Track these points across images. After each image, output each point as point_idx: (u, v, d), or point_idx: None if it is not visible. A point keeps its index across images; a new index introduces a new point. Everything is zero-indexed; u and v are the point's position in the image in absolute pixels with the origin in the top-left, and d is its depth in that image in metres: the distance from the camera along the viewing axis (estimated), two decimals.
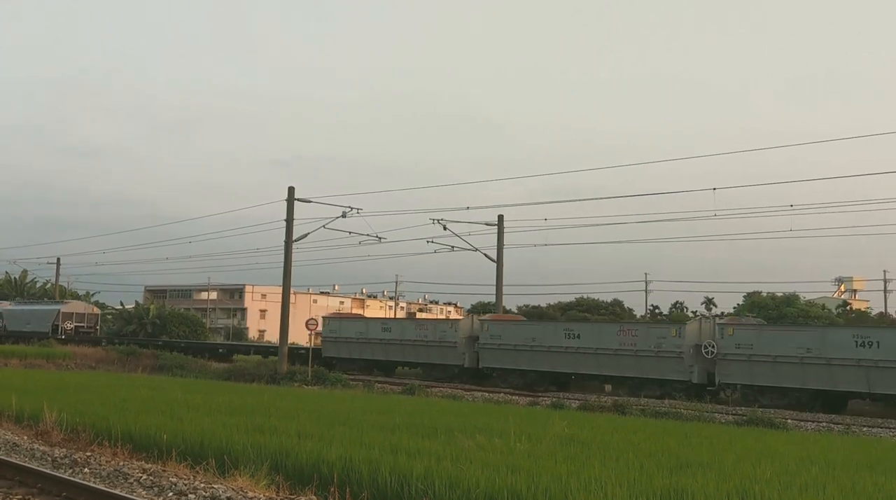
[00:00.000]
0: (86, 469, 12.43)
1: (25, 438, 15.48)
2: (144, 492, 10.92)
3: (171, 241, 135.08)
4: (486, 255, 44.87)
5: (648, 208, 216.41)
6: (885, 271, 75.42)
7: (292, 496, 10.45)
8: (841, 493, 10.35)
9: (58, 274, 77.94)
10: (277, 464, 11.87)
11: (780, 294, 69.84)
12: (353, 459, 11.42)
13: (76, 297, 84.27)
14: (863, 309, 79.52)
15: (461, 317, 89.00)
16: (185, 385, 28.50)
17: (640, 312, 79.67)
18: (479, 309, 69.58)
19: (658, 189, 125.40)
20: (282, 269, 40.96)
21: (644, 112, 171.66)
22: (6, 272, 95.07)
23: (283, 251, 40.96)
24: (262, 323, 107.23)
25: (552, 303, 75.55)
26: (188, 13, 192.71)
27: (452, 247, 45.43)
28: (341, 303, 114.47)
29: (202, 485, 10.89)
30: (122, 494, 10.39)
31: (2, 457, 12.85)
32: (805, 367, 28.78)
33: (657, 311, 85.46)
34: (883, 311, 73.87)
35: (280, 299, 42.59)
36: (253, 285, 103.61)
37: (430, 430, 15.78)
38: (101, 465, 12.58)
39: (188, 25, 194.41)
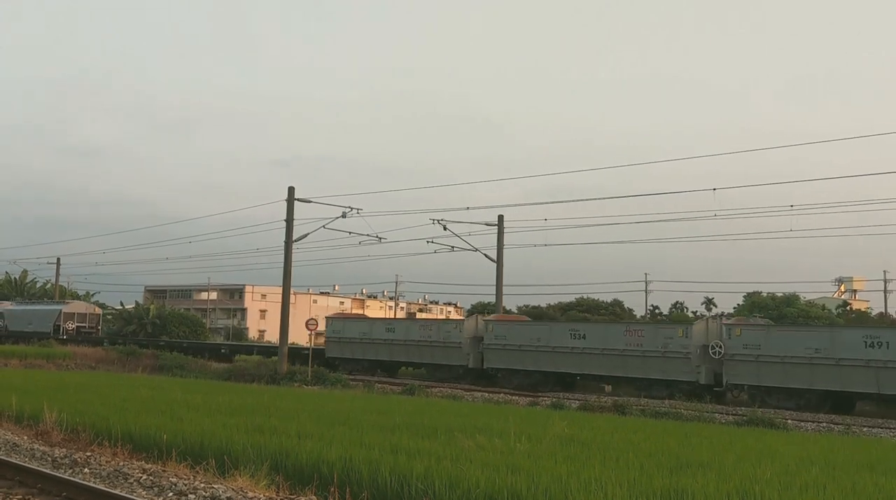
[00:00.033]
0: (86, 469, 12.43)
1: (25, 438, 15.48)
2: (144, 492, 10.91)
3: (171, 241, 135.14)
4: (486, 255, 44.89)
5: (648, 209, 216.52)
6: (885, 272, 75.49)
7: (292, 496, 10.45)
8: (841, 493, 10.34)
9: (58, 274, 77.97)
10: (277, 464, 11.87)
11: (780, 294, 69.89)
12: (353, 459, 11.42)
13: (76, 297, 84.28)
14: (863, 309, 79.53)
15: (461, 317, 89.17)
16: (185, 385, 28.50)
17: (640, 312, 79.73)
18: (479, 309, 69.53)
19: (658, 189, 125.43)
20: (282, 269, 40.96)
21: (644, 112, 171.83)
22: (6, 272, 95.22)
23: (283, 251, 40.96)
24: (262, 323, 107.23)
25: (552, 303, 75.61)
26: (188, 13, 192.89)
27: (452, 247, 45.44)
28: (341, 303, 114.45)
29: (202, 485, 10.88)
30: (122, 494, 10.39)
31: (2, 457, 12.85)
32: (814, 368, 28.53)
33: (657, 311, 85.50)
34: (883, 311, 73.89)
35: (280, 300, 42.59)
36: (253, 286, 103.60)
37: (430, 430, 15.77)
38: (101, 465, 12.58)
39: (188, 25, 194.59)
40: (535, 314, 63.40)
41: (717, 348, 30.88)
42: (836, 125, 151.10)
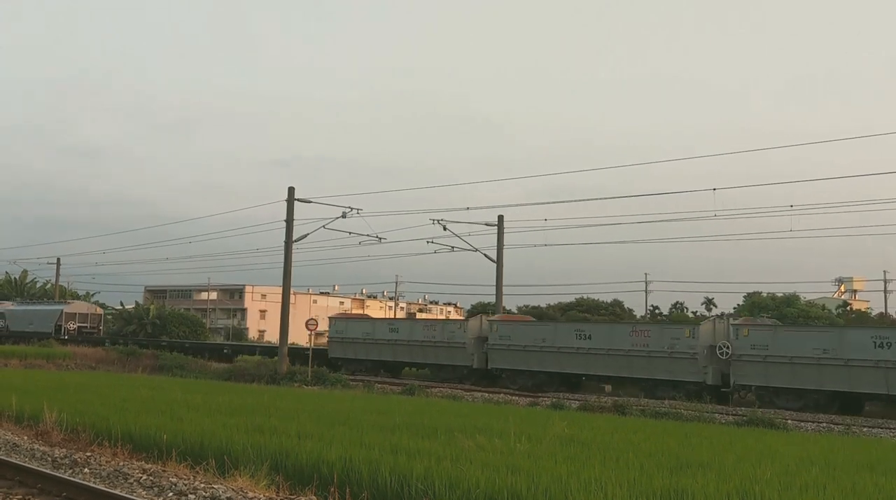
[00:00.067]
0: (86, 469, 12.43)
1: (25, 438, 15.48)
2: (144, 492, 10.91)
3: (172, 241, 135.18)
4: (486, 255, 44.87)
5: (649, 209, 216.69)
6: (885, 272, 75.52)
7: (292, 497, 10.45)
8: (841, 493, 10.34)
9: (58, 274, 77.95)
10: (277, 464, 11.87)
11: (780, 294, 69.88)
12: (353, 459, 11.42)
13: (76, 297, 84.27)
14: (863, 309, 79.54)
15: (461, 317, 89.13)
16: (186, 385, 28.50)
17: (640, 312, 79.74)
18: (479, 310, 69.53)
19: (659, 189, 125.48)
20: (282, 269, 40.96)
21: (644, 112, 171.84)
22: (6, 272, 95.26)
23: (283, 251, 40.96)
24: (262, 323, 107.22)
25: (552, 303, 75.64)
26: (188, 13, 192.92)
27: (452, 247, 45.42)
28: (341, 303, 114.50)
29: (202, 485, 10.89)
30: (122, 494, 10.39)
31: (2, 457, 12.85)
32: (822, 368, 28.35)
33: (657, 311, 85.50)
34: (883, 311, 73.91)
35: (280, 300, 42.59)
36: (253, 286, 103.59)
37: (430, 430, 15.77)
38: (101, 465, 12.58)
39: (188, 25, 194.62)
40: (536, 315, 63.36)
41: (725, 349, 30.68)
42: (836, 125, 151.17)
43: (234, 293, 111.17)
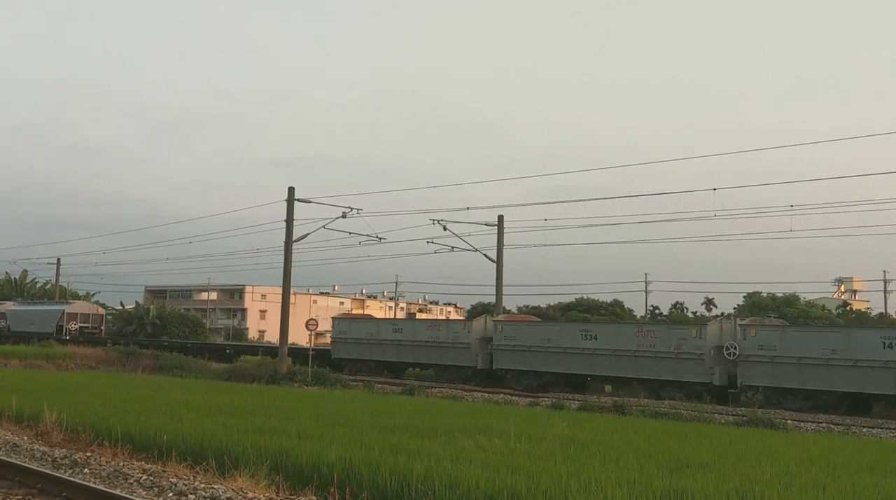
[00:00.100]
0: (86, 470, 12.43)
1: (25, 438, 15.49)
2: (144, 492, 10.92)
3: (172, 241, 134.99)
4: (485, 255, 44.88)
5: (649, 209, 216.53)
6: (885, 272, 75.55)
7: (292, 497, 10.46)
8: (841, 494, 10.35)
9: (58, 274, 77.96)
10: (277, 465, 11.87)
11: (780, 295, 69.89)
12: (353, 459, 11.43)
13: (76, 297, 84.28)
14: (863, 310, 79.56)
15: (461, 318, 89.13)
16: (186, 386, 28.50)
17: (640, 312, 79.72)
18: (479, 310, 69.54)
19: (659, 189, 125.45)
20: (282, 269, 40.96)
21: (644, 112, 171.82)
22: (6, 273, 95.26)
23: (283, 252, 40.96)
24: (262, 324, 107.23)
25: (552, 303, 75.59)
26: (188, 13, 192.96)
27: (452, 247, 45.43)
28: (341, 303, 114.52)
29: (202, 485, 10.89)
30: (122, 494, 10.39)
31: (2, 457, 12.86)
32: (830, 369, 28.19)
33: (657, 311, 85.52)
34: (883, 311, 73.92)
35: (280, 300, 42.59)
36: (253, 286, 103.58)
37: (430, 430, 15.77)
38: (101, 465, 12.58)
39: (188, 25, 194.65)
40: (536, 315, 63.33)
41: (732, 349, 30.50)
42: (836, 125, 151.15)
43: (234, 293, 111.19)
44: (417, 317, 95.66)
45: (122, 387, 26.32)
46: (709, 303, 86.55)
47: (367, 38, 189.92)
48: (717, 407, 28.12)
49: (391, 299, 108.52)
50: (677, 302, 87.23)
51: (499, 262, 44.49)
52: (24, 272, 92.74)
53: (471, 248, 44.67)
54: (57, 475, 11.70)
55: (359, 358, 43.40)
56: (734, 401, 30.25)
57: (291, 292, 44.21)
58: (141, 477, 11.63)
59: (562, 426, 16.25)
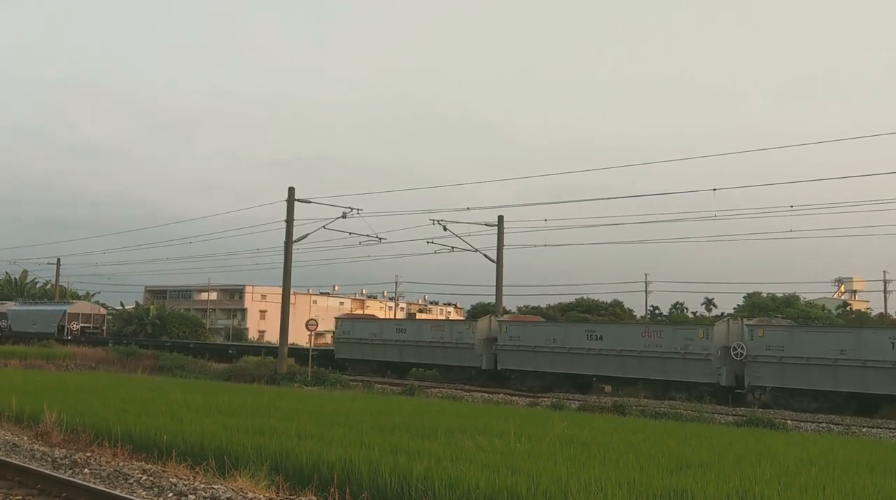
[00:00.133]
0: (86, 470, 12.44)
1: (25, 438, 15.49)
2: (144, 493, 10.92)
3: (172, 241, 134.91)
4: (485, 255, 44.88)
5: (649, 209, 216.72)
6: (884, 272, 75.57)
7: (292, 497, 10.46)
8: (841, 494, 10.35)
9: (58, 274, 77.96)
10: (277, 465, 11.88)
11: (780, 295, 69.91)
12: (353, 460, 11.43)
13: (76, 297, 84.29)
14: (863, 310, 79.59)
15: (461, 318, 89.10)
16: (186, 386, 28.51)
17: (640, 312, 79.75)
18: (479, 310, 69.55)
19: (659, 190, 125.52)
20: (282, 269, 40.97)
21: (644, 112, 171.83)
22: (6, 273, 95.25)
23: (283, 252, 40.97)
24: (262, 324, 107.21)
25: (552, 304, 75.59)
26: (188, 13, 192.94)
27: (452, 247, 45.42)
28: (341, 304, 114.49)
29: (202, 486, 10.90)
30: (122, 495, 10.40)
31: (2, 458, 12.86)
32: (838, 369, 28.05)
33: (657, 311, 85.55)
34: (883, 311, 73.94)
35: (280, 300, 42.59)
36: (253, 286, 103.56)
37: (430, 431, 15.78)
38: (101, 465, 12.59)
39: (188, 25, 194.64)
40: (536, 315, 63.38)
41: (740, 350, 30.35)
42: (836, 125, 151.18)
43: (234, 294, 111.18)
44: (417, 317, 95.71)
45: (122, 387, 26.33)
46: (709, 303, 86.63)
47: (367, 38, 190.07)
48: (717, 407, 28.11)
49: (391, 299, 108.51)
50: (677, 302, 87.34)
51: (499, 262, 44.49)
52: (24, 272, 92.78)
53: (471, 248, 44.70)
54: (57, 475, 11.70)
55: (362, 358, 43.30)
56: (741, 402, 30.14)
57: (291, 293, 44.20)
58: (141, 477, 11.64)
59: (562, 426, 16.25)
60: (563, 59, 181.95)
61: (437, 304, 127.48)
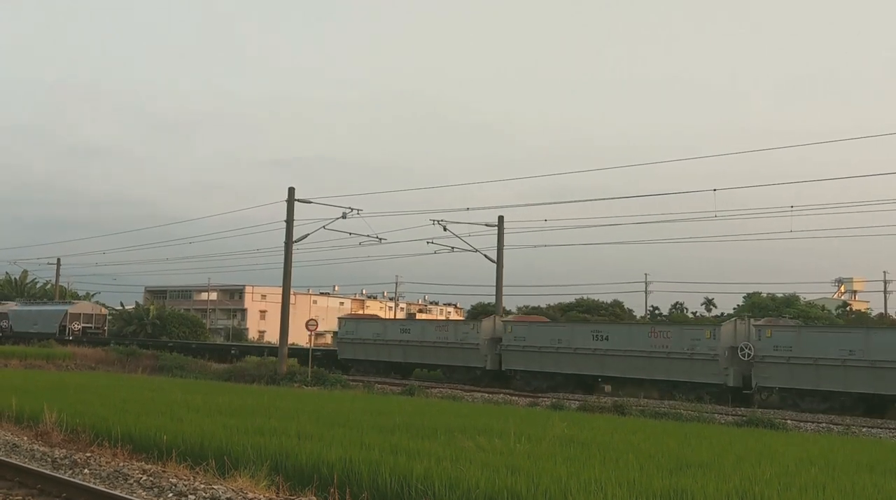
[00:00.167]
0: (86, 470, 12.44)
1: (25, 439, 15.49)
2: (144, 493, 10.92)
3: (172, 241, 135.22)
4: (486, 256, 44.87)
5: (649, 209, 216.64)
6: (885, 272, 75.54)
7: (292, 497, 10.47)
8: (841, 494, 10.35)
9: (58, 274, 77.97)
10: (277, 465, 11.88)
11: (780, 295, 69.88)
12: (353, 460, 11.43)
13: (76, 297, 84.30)
14: (863, 310, 79.57)
15: (461, 318, 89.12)
16: (186, 386, 28.51)
17: (639, 312, 79.73)
18: (479, 310, 69.57)
19: (659, 190, 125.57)
20: (282, 269, 40.98)
21: (644, 112, 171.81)
22: (6, 273, 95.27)
23: (283, 252, 40.98)
24: (262, 324, 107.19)
25: (552, 304, 75.57)
26: (188, 13, 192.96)
27: (452, 248, 45.41)
28: (341, 304, 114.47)
29: (202, 486, 10.90)
30: (122, 495, 10.40)
31: (2, 458, 12.86)
32: (847, 370, 27.87)
33: (657, 312, 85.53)
34: (883, 312, 73.92)
35: (280, 300, 42.60)
36: (253, 286, 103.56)
37: (430, 431, 15.78)
38: (101, 466, 12.59)
39: (188, 25, 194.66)
40: (536, 315, 63.35)
41: (747, 350, 30.17)
42: (836, 125, 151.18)
43: (234, 294, 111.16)
44: (417, 317, 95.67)
45: (122, 387, 26.33)
46: (709, 303, 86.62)
47: (367, 38, 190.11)
48: (717, 407, 28.07)
49: (391, 299, 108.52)
50: (677, 302, 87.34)
51: (499, 262, 44.49)
52: (25, 272, 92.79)
53: (471, 248, 44.70)
54: (57, 475, 11.71)
55: (366, 359, 43.21)
56: (747, 402, 30.04)
57: (291, 293, 44.20)
58: (141, 478, 11.64)
59: (562, 426, 16.26)
60: (563, 59, 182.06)
61: (437, 304, 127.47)
